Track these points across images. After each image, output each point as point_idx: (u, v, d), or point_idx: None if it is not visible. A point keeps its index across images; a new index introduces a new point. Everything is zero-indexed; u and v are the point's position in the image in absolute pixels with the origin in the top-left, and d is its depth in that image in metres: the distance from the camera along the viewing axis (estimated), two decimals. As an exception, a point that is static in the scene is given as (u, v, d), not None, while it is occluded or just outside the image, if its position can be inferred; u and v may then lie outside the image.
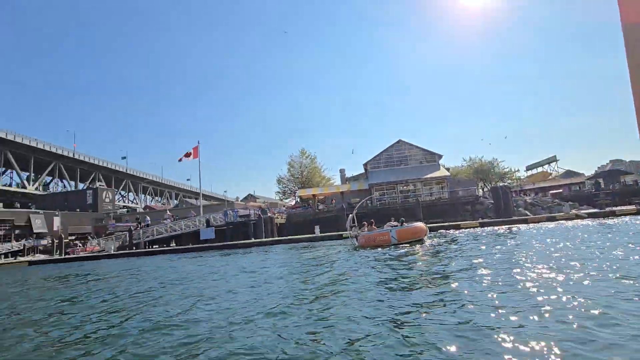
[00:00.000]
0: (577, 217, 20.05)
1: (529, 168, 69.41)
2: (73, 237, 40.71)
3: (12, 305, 7.69)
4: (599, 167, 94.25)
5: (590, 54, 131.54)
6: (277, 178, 46.66)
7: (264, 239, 25.32)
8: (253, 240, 25.39)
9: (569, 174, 62.16)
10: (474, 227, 22.08)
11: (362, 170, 47.19)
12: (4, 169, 57.60)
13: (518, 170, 51.84)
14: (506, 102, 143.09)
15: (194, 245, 24.63)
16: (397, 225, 14.24)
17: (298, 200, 42.59)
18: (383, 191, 34.42)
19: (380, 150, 38.38)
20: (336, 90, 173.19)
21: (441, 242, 13.62)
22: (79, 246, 34.07)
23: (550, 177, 63.63)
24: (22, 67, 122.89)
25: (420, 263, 8.62)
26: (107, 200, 59.16)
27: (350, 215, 14.61)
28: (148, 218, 30.90)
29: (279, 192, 47.17)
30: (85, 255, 27.36)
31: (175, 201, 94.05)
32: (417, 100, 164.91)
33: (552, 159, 65.35)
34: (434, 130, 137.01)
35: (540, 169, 68.51)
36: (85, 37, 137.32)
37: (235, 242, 24.20)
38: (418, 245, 12.89)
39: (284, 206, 36.40)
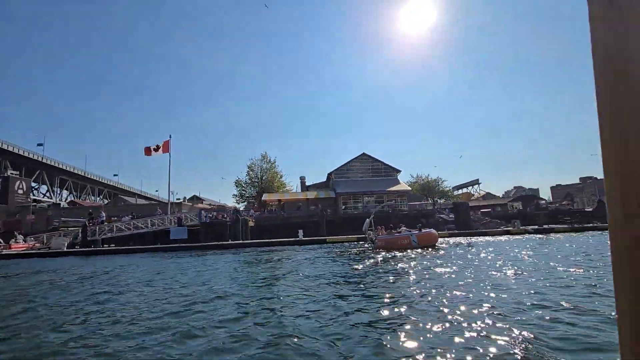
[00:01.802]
0: (526, 232, 24.08)
1: (455, 188, 78.54)
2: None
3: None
4: (505, 192, 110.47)
5: (514, 91, 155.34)
6: (235, 180, 45.62)
7: (244, 241, 24.75)
8: (231, 241, 24.62)
9: (488, 196, 72.09)
10: (444, 237, 24.85)
11: (322, 179, 48.60)
12: None
13: (456, 190, 58.47)
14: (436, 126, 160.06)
15: (171, 245, 22.96)
16: (410, 232, 15.73)
17: (254, 203, 42.09)
18: (349, 200, 36.10)
19: (346, 162, 40.23)
20: (280, 98, 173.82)
21: (452, 248, 15.42)
22: (2, 243, 28.81)
23: (473, 197, 72.96)
24: None
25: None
26: (20, 191, 50.49)
27: (368, 219, 15.64)
28: (103, 213, 27.55)
29: (236, 195, 46.02)
30: (25, 252, 23.38)
31: (98, 198, 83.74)
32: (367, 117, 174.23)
33: (475, 182, 74.99)
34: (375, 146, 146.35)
35: (464, 190, 77.94)
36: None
37: (219, 242, 23.26)
38: (440, 251, 14.53)
39: (252, 209, 35.68)
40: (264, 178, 45.12)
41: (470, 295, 5.59)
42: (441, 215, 40.03)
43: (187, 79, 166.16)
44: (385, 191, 36.26)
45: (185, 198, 56.17)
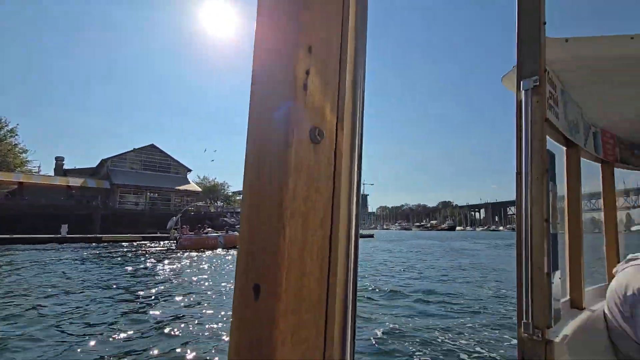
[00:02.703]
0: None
1: (236, 194, 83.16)
2: None
3: None
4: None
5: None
6: None
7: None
8: None
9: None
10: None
11: (90, 164, 39.95)
12: None
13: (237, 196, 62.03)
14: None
15: None
16: (217, 233, 16.32)
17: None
18: (129, 194, 31.86)
19: (128, 150, 35.14)
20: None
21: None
22: None
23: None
24: None
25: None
26: None
27: (175, 217, 15.15)
28: None
29: None
30: None
31: None
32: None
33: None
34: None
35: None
36: None
37: None
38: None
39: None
40: (-9, 149, 32.19)
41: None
42: (225, 219, 42.00)
43: None
44: (173, 189, 34.33)
45: None
